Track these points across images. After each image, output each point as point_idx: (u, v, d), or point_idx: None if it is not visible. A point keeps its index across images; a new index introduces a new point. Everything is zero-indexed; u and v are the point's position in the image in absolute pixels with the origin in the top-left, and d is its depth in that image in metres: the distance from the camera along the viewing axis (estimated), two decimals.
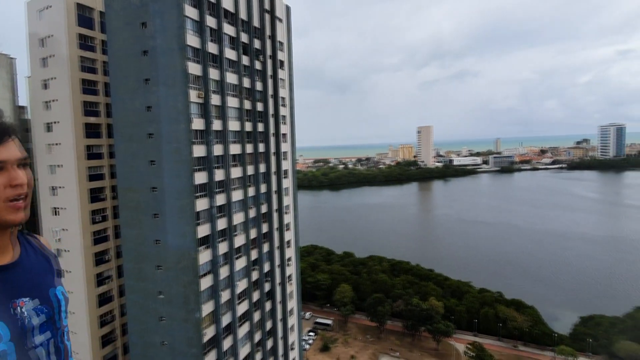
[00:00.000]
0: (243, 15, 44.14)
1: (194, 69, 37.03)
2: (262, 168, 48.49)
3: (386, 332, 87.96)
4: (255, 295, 47.36)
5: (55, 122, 44.73)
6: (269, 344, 50.34)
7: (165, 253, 38.33)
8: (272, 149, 50.34)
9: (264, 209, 48.97)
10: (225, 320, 41.48)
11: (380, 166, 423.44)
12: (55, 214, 45.97)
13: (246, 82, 45.18)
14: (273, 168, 50.35)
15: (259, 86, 47.47)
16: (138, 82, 37.66)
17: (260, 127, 48.03)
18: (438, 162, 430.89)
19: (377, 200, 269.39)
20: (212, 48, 39.41)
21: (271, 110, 50.17)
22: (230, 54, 42.33)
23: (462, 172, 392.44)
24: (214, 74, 39.55)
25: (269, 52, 49.41)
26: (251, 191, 46.22)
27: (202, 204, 38.11)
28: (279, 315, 52.52)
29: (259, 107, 47.65)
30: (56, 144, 44.90)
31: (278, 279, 52.40)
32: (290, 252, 55.91)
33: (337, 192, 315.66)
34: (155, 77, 36.82)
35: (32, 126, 47.28)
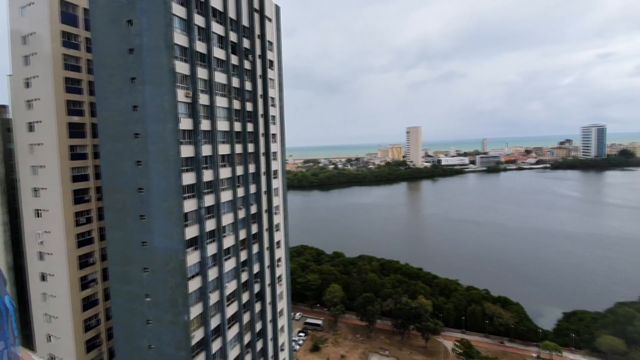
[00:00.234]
0: (232, 14, 43.80)
1: (182, 68, 36.52)
2: (251, 168, 48.20)
3: (376, 331, 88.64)
4: (245, 297, 47.05)
5: (37, 122, 43.49)
6: (259, 345, 50.09)
7: (152, 255, 37.68)
8: (262, 149, 50.11)
9: (253, 209, 48.72)
10: (214, 322, 41.06)
11: (370, 166, 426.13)
12: (38, 216, 44.74)
13: (235, 82, 44.83)
14: (263, 168, 50.12)
15: (248, 86, 47.16)
16: (124, 80, 36.92)
17: (250, 127, 47.72)
18: (427, 162, 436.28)
19: (366, 200, 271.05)
20: (200, 47, 38.96)
21: (260, 110, 49.95)
22: (219, 53, 41.93)
23: (450, 172, 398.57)
24: (202, 73, 39.11)
25: (258, 51, 49.14)
26: (240, 192, 45.87)
27: (190, 205, 37.60)
28: (269, 316, 52.32)
29: (248, 107, 47.32)
30: (39, 144, 43.68)
31: (268, 280, 52.17)
32: (280, 253, 55.73)
33: (327, 192, 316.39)
34: (142, 76, 36.17)
35: (14, 126, 45.89)
